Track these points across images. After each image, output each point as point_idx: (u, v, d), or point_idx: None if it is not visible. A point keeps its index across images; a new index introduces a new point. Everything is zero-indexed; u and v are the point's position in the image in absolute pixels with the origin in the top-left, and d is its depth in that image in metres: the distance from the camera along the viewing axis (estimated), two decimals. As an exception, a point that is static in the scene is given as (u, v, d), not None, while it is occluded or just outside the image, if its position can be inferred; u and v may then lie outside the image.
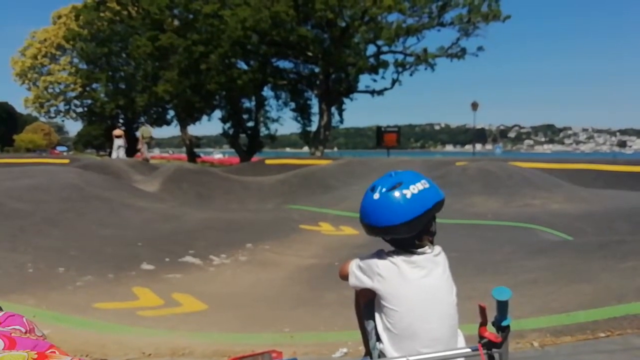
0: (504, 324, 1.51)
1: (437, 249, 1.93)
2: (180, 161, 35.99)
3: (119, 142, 19.84)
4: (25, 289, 4.81)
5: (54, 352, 1.05)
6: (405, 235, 1.82)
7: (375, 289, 1.85)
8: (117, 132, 20.27)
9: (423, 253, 1.86)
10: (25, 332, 1.21)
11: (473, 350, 1.57)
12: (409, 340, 1.80)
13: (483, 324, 1.54)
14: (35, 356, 0.99)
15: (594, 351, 2.93)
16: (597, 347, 3.02)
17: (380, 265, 1.85)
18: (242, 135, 39.81)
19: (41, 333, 1.36)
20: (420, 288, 1.83)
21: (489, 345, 1.53)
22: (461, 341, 1.91)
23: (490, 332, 1.54)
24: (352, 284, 1.93)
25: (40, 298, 4.61)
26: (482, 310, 1.51)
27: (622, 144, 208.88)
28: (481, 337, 1.54)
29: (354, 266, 1.93)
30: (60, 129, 61.16)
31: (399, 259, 1.84)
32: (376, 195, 1.84)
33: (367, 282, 1.87)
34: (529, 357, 2.97)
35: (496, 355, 1.54)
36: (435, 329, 1.82)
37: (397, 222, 1.78)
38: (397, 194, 1.80)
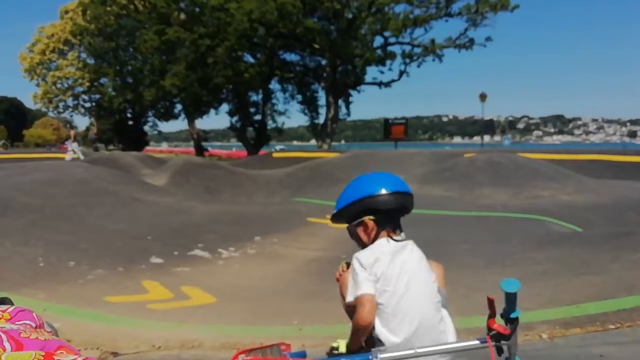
0: (512, 316, 1.50)
1: (410, 241, 2.14)
2: (188, 155, 36.13)
3: (74, 144, 21.37)
4: (36, 283, 4.86)
5: (63, 352, 1.05)
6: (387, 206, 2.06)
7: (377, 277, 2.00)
8: (73, 132, 22.39)
9: (401, 240, 2.09)
10: (36, 327, 1.22)
11: (482, 343, 1.57)
12: (400, 318, 1.93)
13: (492, 316, 1.53)
14: (42, 355, 0.99)
15: (603, 343, 2.92)
16: (606, 339, 3.00)
17: (375, 252, 2.03)
18: (250, 129, 39.84)
19: (51, 328, 1.37)
20: (402, 268, 2.00)
21: (498, 337, 1.52)
22: (448, 319, 2.06)
23: (499, 324, 1.53)
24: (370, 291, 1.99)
25: (51, 292, 4.65)
26: (491, 302, 1.51)
27: (633, 134, 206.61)
28: (490, 329, 1.54)
29: (362, 276, 2.00)
30: (69, 124, 61.48)
31: (384, 241, 2.06)
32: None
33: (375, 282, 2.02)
34: (538, 349, 2.96)
35: (505, 348, 1.54)
36: (421, 304, 1.97)
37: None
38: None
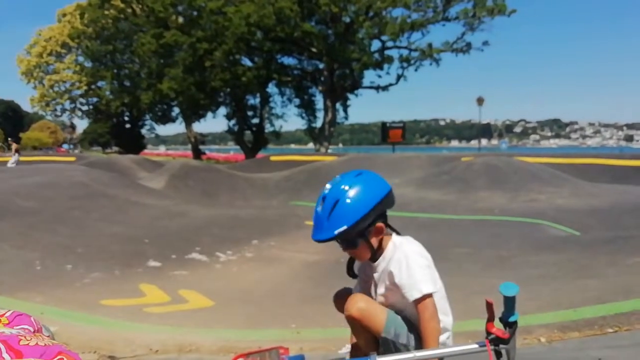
0: (511, 319, 1.51)
1: None
2: (185, 158, 36.12)
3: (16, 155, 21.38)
4: (33, 286, 4.84)
5: (63, 359, 1.04)
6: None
7: None
8: (15, 146, 22.36)
9: None
10: (34, 332, 1.21)
11: (480, 346, 1.57)
12: (445, 298, 1.99)
13: (490, 319, 1.53)
14: None
15: (601, 347, 2.92)
16: (604, 342, 3.00)
17: (415, 243, 2.01)
18: (247, 132, 39.85)
19: (49, 332, 1.36)
20: None
21: (496, 341, 1.52)
22: None
23: (498, 327, 1.53)
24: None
25: (48, 295, 4.63)
26: (489, 306, 1.51)
27: (629, 139, 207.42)
28: (488, 332, 1.54)
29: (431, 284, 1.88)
30: (66, 127, 61.51)
31: (400, 237, 2.04)
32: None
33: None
34: (536, 352, 2.96)
35: (503, 351, 1.54)
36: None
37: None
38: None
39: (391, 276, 1.91)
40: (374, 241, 1.96)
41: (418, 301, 1.81)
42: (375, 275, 2.01)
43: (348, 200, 1.88)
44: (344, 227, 1.87)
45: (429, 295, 1.81)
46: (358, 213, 1.87)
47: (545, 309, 3.69)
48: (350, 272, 2.11)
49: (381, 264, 1.98)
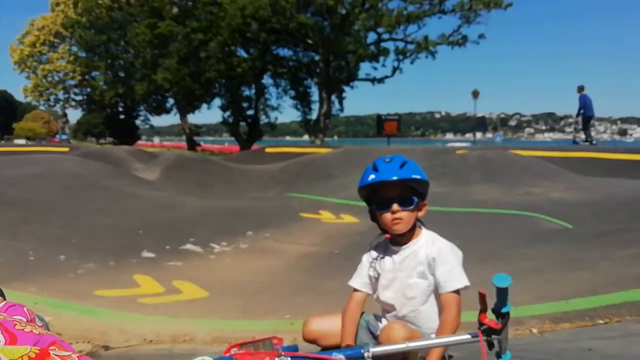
0: (503, 310, 1.51)
1: None
2: (180, 149, 35.99)
3: None
4: (26, 277, 4.83)
5: (55, 349, 1.04)
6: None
7: None
8: None
9: None
10: (27, 322, 1.21)
11: (473, 337, 1.58)
12: None
13: (483, 310, 1.54)
14: (37, 351, 0.98)
15: (592, 338, 2.95)
16: (595, 333, 3.03)
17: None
18: (242, 124, 39.69)
19: (42, 322, 1.36)
20: None
21: (489, 331, 1.53)
22: None
23: (490, 318, 1.54)
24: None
25: (41, 286, 4.63)
26: (482, 297, 1.52)
27: (623, 132, 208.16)
28: (481, 323, 1.55)
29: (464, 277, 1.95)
30: (59, 117, 61.15)
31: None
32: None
33: None
34: (528, 343, 2.99)
35: (495, 342, 1.55)
36: None
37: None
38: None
39: (432, 264, 1.95)
40: (421, 214, 2.05)
41: (452, 294, 1.88)
42: (397, 258, 2.02)
43: (416, 164, 2.00)
44: (419, 177, 1.94)
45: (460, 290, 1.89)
46: (425, 176, 1.99)
47: (537, 300, 3.72)
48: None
49: (411, 247, 2.02)
